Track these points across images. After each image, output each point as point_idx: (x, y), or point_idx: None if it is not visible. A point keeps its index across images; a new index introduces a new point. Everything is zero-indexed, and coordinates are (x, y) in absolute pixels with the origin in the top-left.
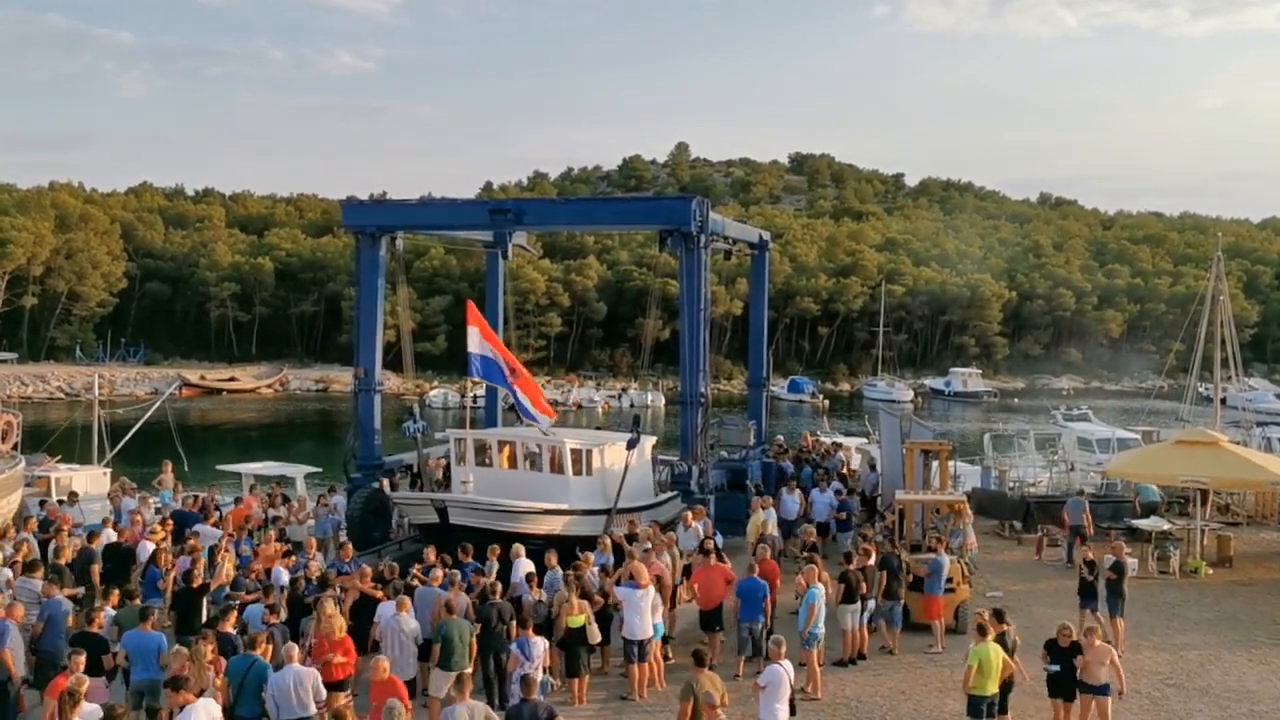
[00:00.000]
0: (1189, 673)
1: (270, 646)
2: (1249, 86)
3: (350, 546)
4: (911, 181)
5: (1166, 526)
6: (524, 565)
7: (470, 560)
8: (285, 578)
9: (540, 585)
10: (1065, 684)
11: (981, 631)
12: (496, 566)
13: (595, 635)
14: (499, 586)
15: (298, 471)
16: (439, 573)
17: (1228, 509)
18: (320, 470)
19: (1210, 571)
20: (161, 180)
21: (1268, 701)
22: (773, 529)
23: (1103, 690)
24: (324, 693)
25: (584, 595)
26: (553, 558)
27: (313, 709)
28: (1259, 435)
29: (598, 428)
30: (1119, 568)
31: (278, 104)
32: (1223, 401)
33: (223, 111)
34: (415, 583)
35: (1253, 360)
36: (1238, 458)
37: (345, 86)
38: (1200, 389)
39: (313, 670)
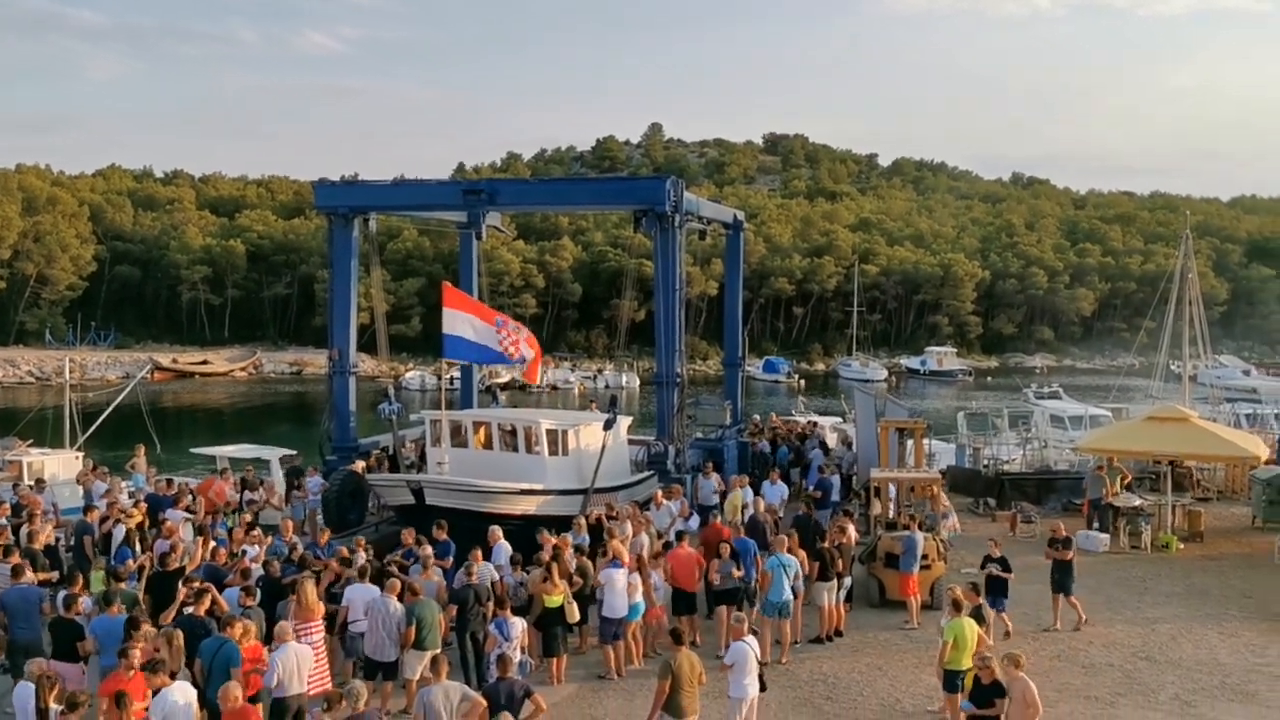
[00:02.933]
0: (1161, 645)
1: (243, 629)
2: (1220, 66)
3: (329, 532)
4: (885, 161)
5: (1138, 502)
6: (504, 548)
7: (444, 538)
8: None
9: (522, 567)
10: None
11: (956, 606)
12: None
13: (574, 615)
14: (474, 568)
15: (272, 454)
16: (427, 549)
17: (1198, 484)
18: (295, 452)
19: (1181, 546)
20: (130, 162)
21: (1238, 674)
22: (764, 509)
23: None
24: (319, 667)
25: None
26: (498, 532)
27: (305, 686)
28: (1228, 411)
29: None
30: (1066, 544)
31: (249, 85)
32: (1192, 378)
33: (193, 92)
34: (393, 568)
35: (1222, 338)
36: (1208, 433)
37: (318, 67)
38: (1171, 366)
39: (309, 648)
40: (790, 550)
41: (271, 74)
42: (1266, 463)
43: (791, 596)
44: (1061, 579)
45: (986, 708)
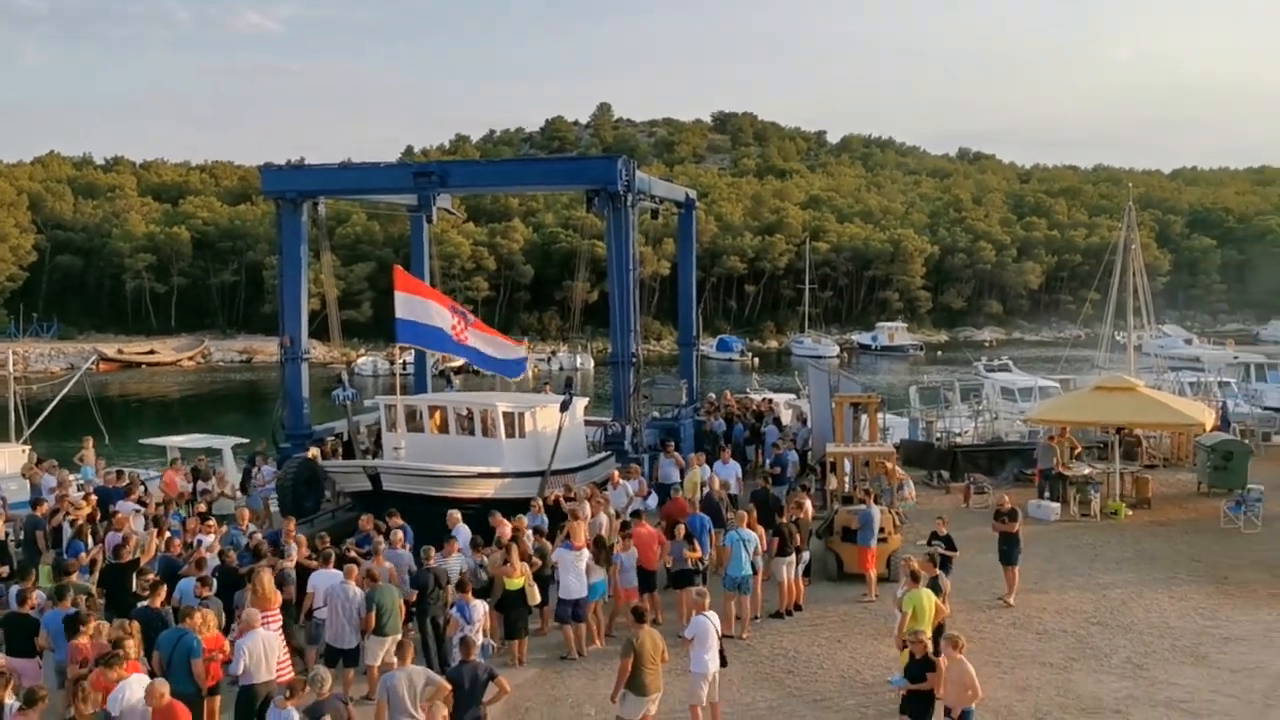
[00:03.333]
0: (1112, 610)
1: (202, 619)
2: (1156, 39)
3: (293, 522)
4: (834, 138)
5: (1087, 470)
6: (464, 532)
7: (400, 523)
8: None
9: (481, 550)
10: (919, 704)
11: (914, 578)
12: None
13: (535, 597)
14: (432, 551)
15: (225, 443)
16: (399, 534)
17: (1146, 452)
18: (247, 441)
19: (1130, 513)
20: (69, 149)
21: (1188, 636)
22: (718, 485)
23: (964, 719)
24: (285, 656)
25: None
26: (456, 516)
27: (274, 673)
28: (1172, 379)
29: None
30: (1011, 516)
31: (187, 67)
32: (1137, 348)
33: (130, 77)
34: (351, 554)
35: (1165, 308)
36: (1154, 401)
37: (256, 48)
38: (1117, 337)
39: (276, 635)
40: (749, 526)
41: (209, 56)
42: (1212, 429)
43: (751, 572)
44: (1008, 550)
45: (918, 682)
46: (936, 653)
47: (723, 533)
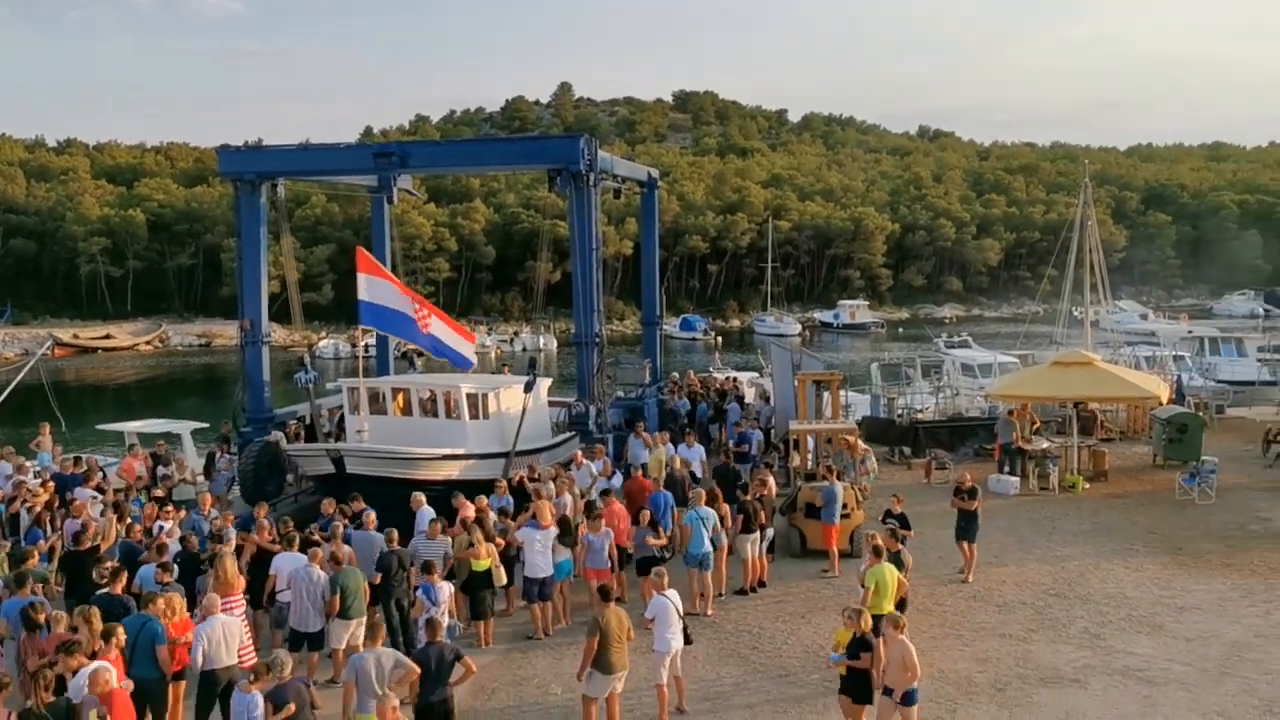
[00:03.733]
0: (1070, 582)
1: (166, 604)
2: (1115, 19)
3: (265, 507)
4: (794, 117)
5: (1045, 445)
6: (427, 513)
7: (362, 507)
8: (175, 532)
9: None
10: (857, 682)
11: (876, 553)
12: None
13: (501, 578)
14: (395, 534)
15: (184, 428)
16: (371, 515)
17: (1101, 425)
18: (206, 425)
19: (1087, 486)
20: (21, 132)
21: (1144, 606)
22: (680, 463)
23: (907, 699)
24: (246, 640)
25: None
26: (421, 498)
27: (235, 658)
28: (1128, 354)
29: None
30: (971, 494)
31: (143, 48)
32: (1094, 324)
33: (84, 57)
34: (316, 537)
35: (1121, 283)
36: (1111, 376)
37: (213, 29)
38: (1074, 312)
39: (238, 620)
40: (713, 501)
41: (164, 37)
42: (1167, 403)
43: (711, 549)
44: (966, 527)
45: (854, 660)
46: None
47: (684, 511)
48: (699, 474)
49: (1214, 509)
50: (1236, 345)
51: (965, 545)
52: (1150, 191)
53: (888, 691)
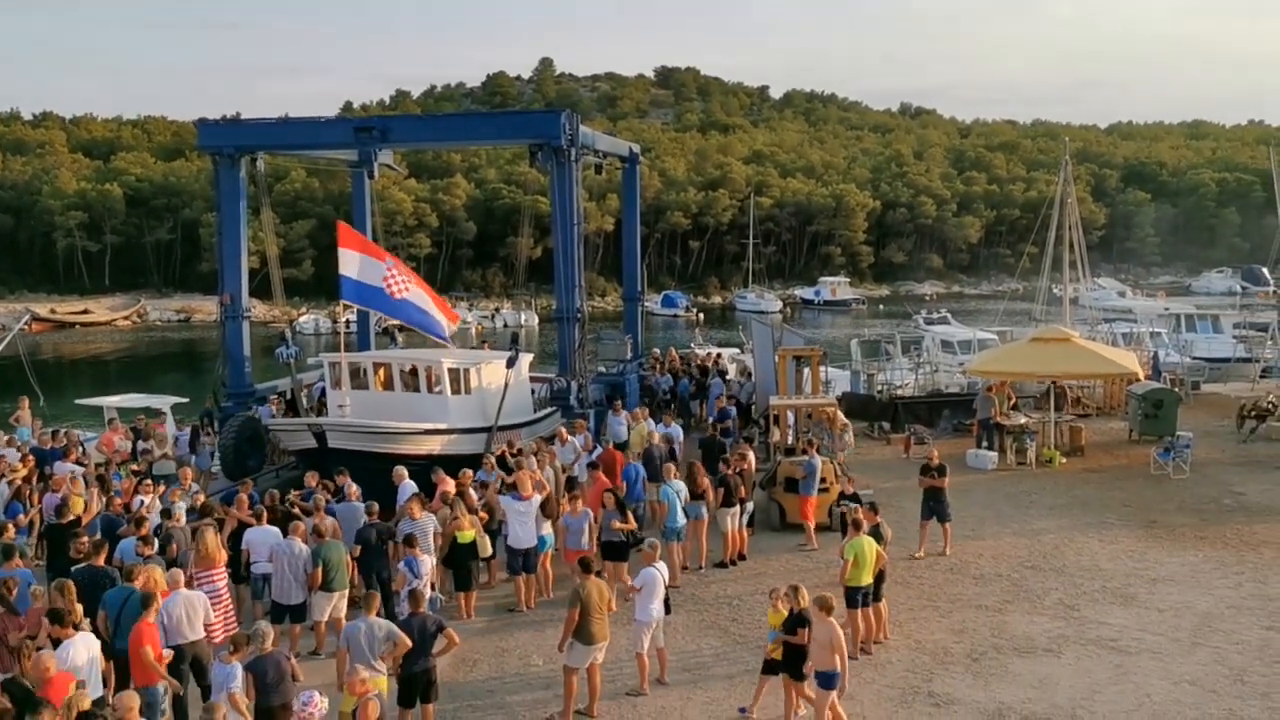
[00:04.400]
0: (1045, 555)
1: (147, 577)
2: None
3: (250, 483)
4: (776, 94)
5: (1023, 420)
6: (409, 487)
7: (346, 481)
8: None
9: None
10: (793, 659)
11: (856, 526)
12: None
13: (486, 548)
14: (375, 507)
15: (164, 403)
16: (354, 488)
17: (1078, 401)
18: (187, 400)
19: (1064, 461)
20: None
21: (1118, 578)
22: (659, 439)
23: (826, 681)
24: (213, 615)
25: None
26: (403, 472)
27: (201, 632)
28: (1106, 330)
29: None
30: (940, 471)
31: (119, 19)
32: (1073, 301)
33: (59, 28)
34: (296, 509)
35: (1100, 261)
36: (1089, 352)
37: (193, 1)
38: (1054, 289)
39: (202, 594)
40: (692, 475)
41: (142, 8)
42: (1146, 378)
43: (684, 521)
44: (935, 506)
45: (791, 635)
46: (877, 598)
47: (658, 487)
48: (678, 452)
49: (1188, 483)
50: (1213, 322)
51: (939, 524)
52: (1130, 169)
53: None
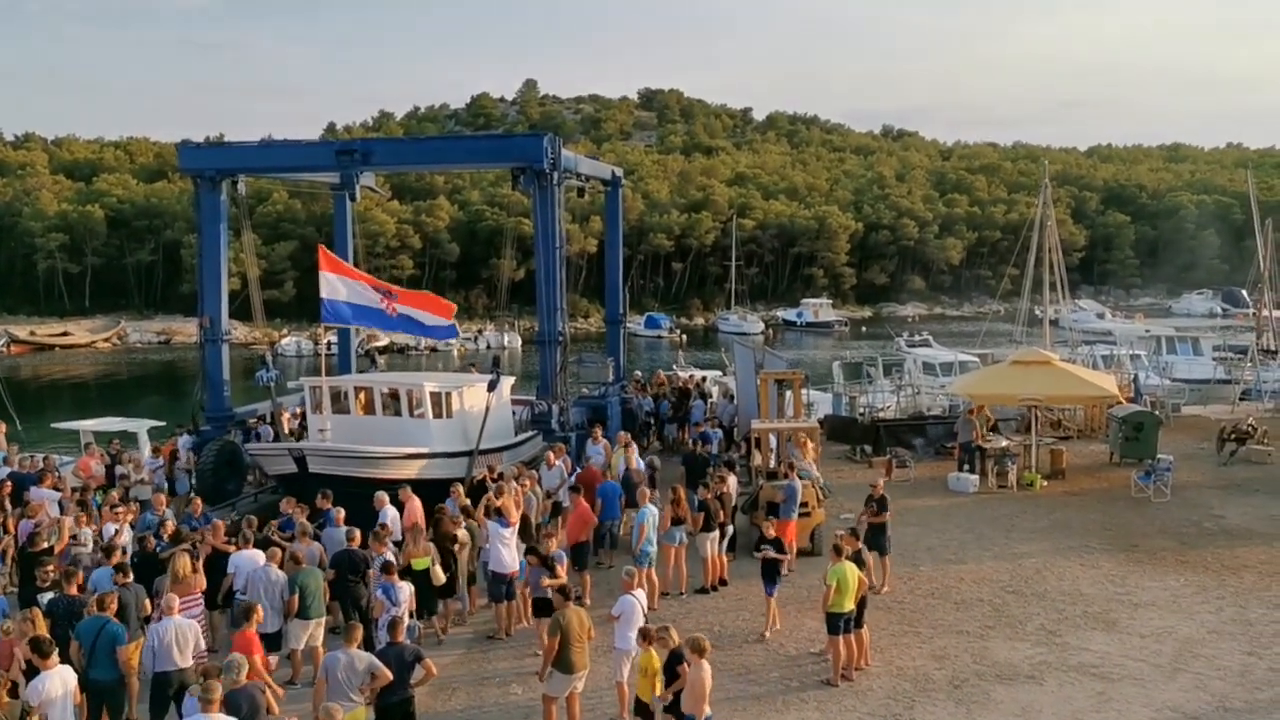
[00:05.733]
0: (1027, 579)
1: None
2: (1077, 20)
3: (199, 501)
4: (759, 116)
5: (1004, 443)
6: (390, 513)
7: (330, 507)
8: (125, 534)
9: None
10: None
11: (838, 551)
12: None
13: (439, 577)
14: (357, 533)
15: (140, 426)
16: (340, 512)
17: (1059, 424)
18: (164, 423)
19: (1045, 484)
20: None
21: (1100, 602)
22: (635, 463)
23: None
24: (203, 645)
25: (439, 535)
26: (384, 497)
27: (190, 661)
28: (1086, 353)
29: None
30: (881, 504)
31: (101, 40)
32: (1054, 323)
33: (41, 49)
34: (274, 535)
35: (1081, 283)
36: (1069, 374)
37: (174, 22)
38: (1035, 311)
39: (194, 623)
40: (676, 499)
41: (125, 29)
42: (1127, 401)
43: (654, 548)
44: (874, 539)
45: (672, 676)
46: (859, 624)
47: (634, 512)
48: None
49: (1169, 507)
50: (1193, 344)
51: (878, 557)
52: (1110, 191)
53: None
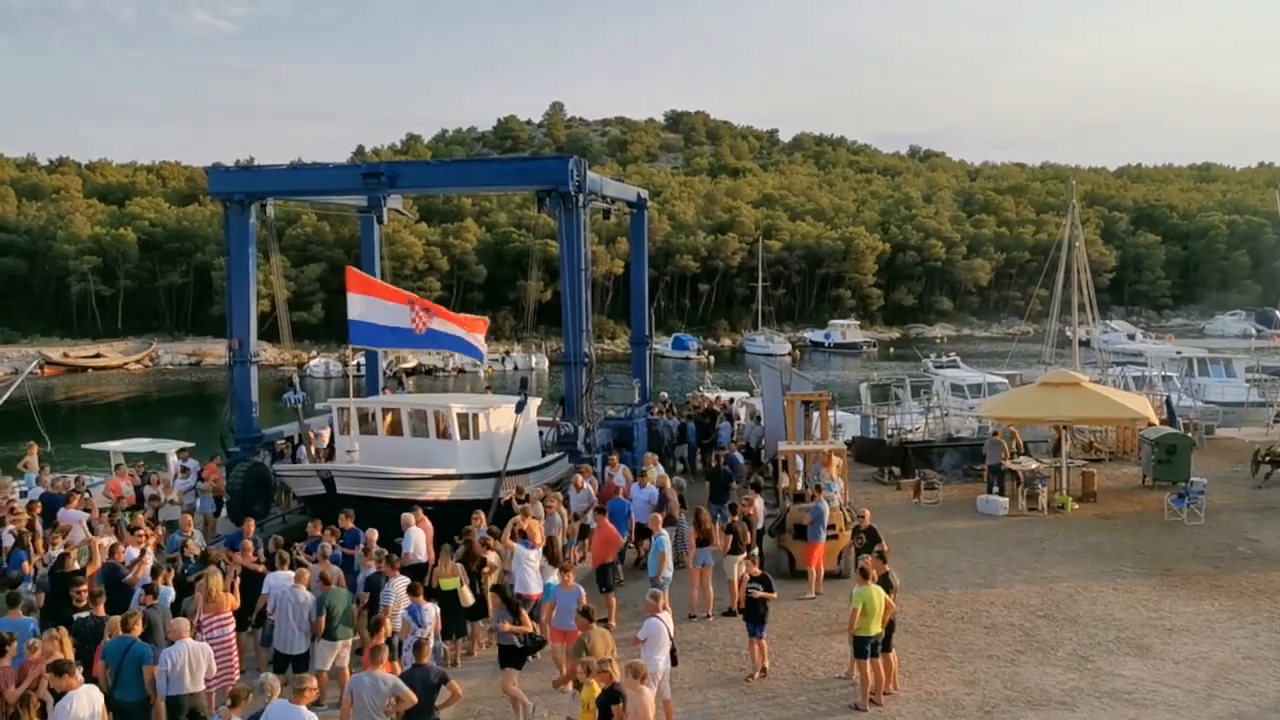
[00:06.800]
0: (1058, 603)
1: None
2: (1105, 39)
3: (252, 522)
4: (786, 137)
5: (1035, 465)
6: (415, 534)
7: (352, 526)
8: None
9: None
10: None
11: (864, 574)
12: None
13: (467, 598)
14: (391, 556)
15: (168, 447)
16: (373, 534)
17: (1091, 446)
18: (193, 445)
19: (1076, 506)
20: (12, 150)
21: (1133, 628)
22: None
23: None
24: (215, 668)
25: (468, 557)
26: (411, 519)
27: (201, 685)
28: (1116, 374)
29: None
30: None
31: (134, 66)
32: (1084, 343)
33: (75, 76)
34: (302, 557)
35: (1111, 303)
36: (1099, 396)
37: (205, 48)
38: (1065, 332)
39: (206, 646)
40: (700, 521)
41: (156, 55)
42: (1161, 423)
43: (670, 573)
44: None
45: (605, 715)
46: (887, 648)
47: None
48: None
49: (1203, 530)
50: (1225, 366)
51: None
52: (1139, 212)
53: None
